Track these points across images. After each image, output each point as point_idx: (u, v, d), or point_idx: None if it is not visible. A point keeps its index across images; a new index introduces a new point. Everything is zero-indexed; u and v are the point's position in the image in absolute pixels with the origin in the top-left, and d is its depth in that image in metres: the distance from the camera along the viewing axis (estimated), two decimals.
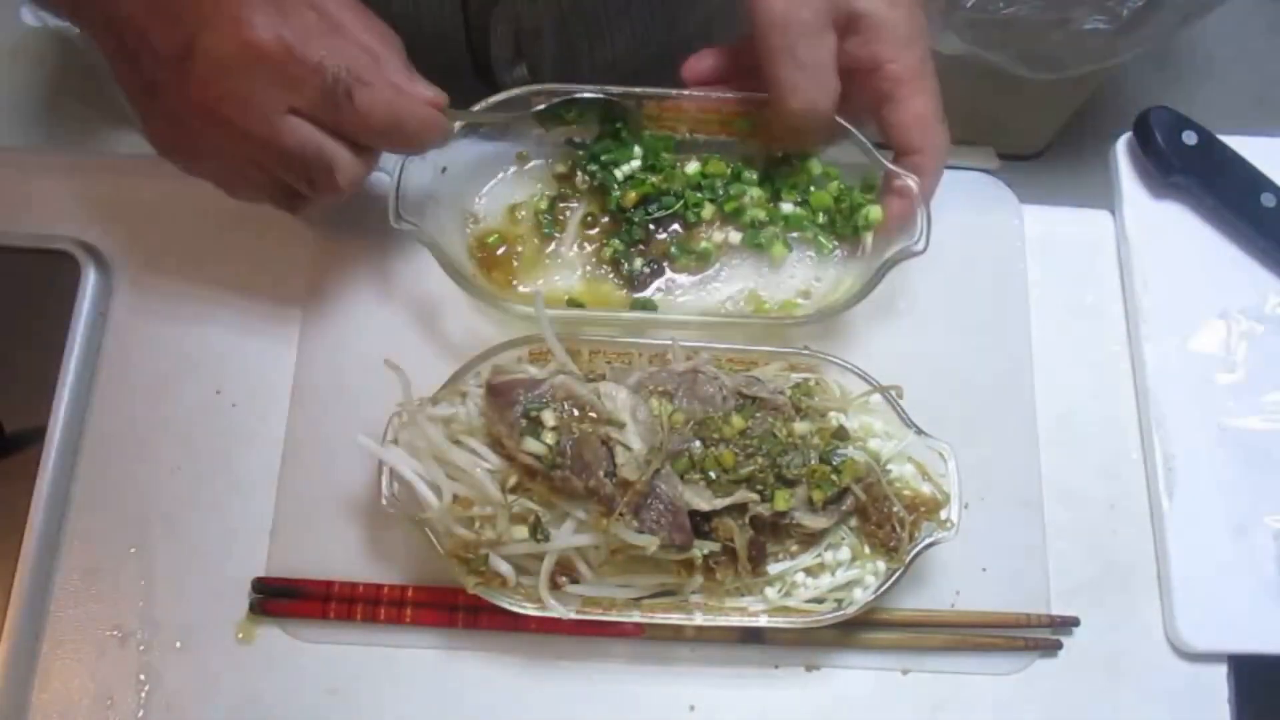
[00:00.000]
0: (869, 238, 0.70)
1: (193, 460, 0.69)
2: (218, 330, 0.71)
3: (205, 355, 0.71)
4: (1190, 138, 0.75)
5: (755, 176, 0.71)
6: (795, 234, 0.71)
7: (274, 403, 0.70)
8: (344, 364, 0.70)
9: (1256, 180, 0.74)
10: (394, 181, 0.65)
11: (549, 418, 0.60)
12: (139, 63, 0.55)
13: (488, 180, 0.72)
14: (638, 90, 0.69)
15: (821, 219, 0.71)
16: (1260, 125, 0.78)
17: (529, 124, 0.69)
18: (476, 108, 0.67)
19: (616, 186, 0.70)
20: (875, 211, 0.68)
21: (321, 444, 0.69)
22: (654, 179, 0.70)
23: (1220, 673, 0.66)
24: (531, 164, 0.73)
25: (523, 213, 0.72)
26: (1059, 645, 0.66)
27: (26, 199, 0.74)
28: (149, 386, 0.70)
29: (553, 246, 0.71)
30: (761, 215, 0.70)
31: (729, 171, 0.71)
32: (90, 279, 0.70)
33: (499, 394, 0.61)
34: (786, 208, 0.71)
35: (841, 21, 0.61)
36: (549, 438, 0.59)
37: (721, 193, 0.70)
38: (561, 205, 0.72)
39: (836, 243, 0.71)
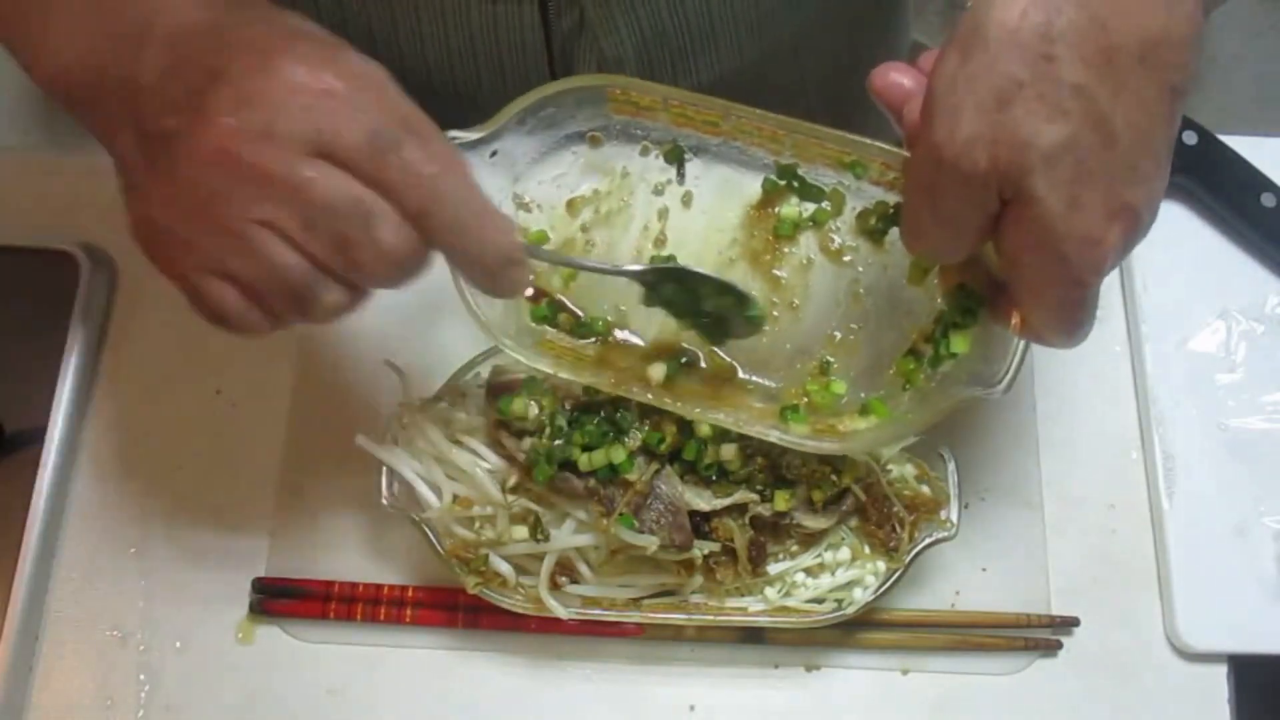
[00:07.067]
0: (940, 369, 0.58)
1: (193, 460, 0.69)
2: (218, 330, 0.71)
3: (205, 355, 0.70)
4: (1190, 138, 0.74)
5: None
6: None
7: (274, 403, 0.70)
8: (344, 364, 0.70)
9: (1256, 180, 0.74)
10: None
11: None
12: (143, 120, 0.46)
13: (549, 163, 0.59)
14: (750, 109, 0.58)
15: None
16: (1260, 125, 0.78)
17: (602, 105, 0.58)
18: (541, 92, 0.57)
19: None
20: (961, 341, 0.56)
21: (321, 444, 0.69)
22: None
23: (1220, 673, 0.65)
24: (606, 147, 0.60)
25: (585, 212, 0.61)
26: (1059, 645, 0.66)
27: (26, 199, 0.74)
28: (149, 386, 0.70)
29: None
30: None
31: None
32: (90, 279, 0.70)
33: (499, 394, 0.61)
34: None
35: (1007, 193, 0.45)
36: None
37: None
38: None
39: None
